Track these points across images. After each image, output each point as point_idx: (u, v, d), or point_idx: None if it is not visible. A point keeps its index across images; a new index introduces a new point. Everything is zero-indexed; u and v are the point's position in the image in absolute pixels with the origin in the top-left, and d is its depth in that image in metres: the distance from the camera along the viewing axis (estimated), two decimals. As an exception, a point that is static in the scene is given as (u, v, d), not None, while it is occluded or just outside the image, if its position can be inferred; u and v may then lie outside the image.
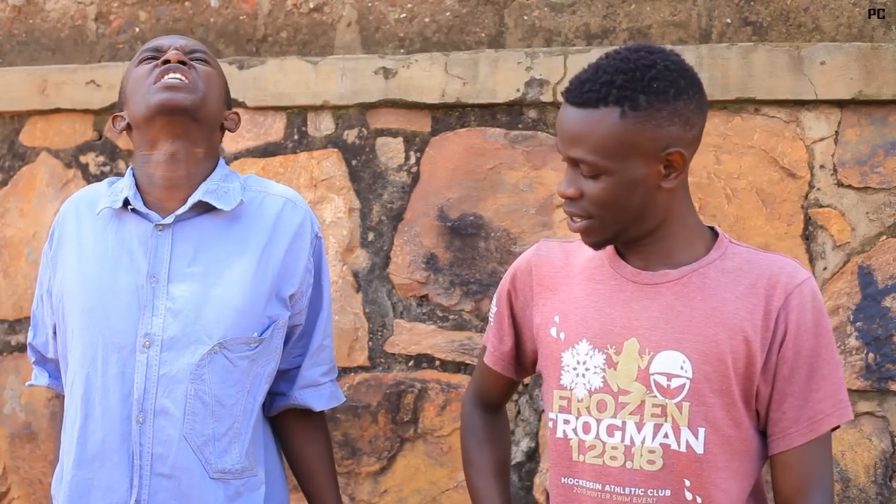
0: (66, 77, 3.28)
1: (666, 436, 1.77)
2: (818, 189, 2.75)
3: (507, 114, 2.94)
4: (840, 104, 2.73)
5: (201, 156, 2.07)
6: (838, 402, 1.79)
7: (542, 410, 2.90)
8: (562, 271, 1.91)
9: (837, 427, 1.82)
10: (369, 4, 3.12)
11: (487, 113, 2.96)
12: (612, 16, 2.94)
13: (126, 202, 2.06)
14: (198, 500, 2.00)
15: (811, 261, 2.74)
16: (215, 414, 2.01)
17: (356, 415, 3.02)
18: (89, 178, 3.25)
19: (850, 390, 2.67)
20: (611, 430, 1.80)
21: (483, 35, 3.04)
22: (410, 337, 2.99)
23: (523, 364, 2.02)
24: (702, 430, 1.77)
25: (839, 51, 2.71)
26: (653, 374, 1.78)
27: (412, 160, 3.01)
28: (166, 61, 2.04)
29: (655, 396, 1.78)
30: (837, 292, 2.72)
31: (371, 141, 3.04)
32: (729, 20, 2.87)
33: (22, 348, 3.23)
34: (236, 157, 3.13)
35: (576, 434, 1.83)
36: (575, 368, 1.84)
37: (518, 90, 2.91)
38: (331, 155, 3.07)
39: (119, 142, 3.24)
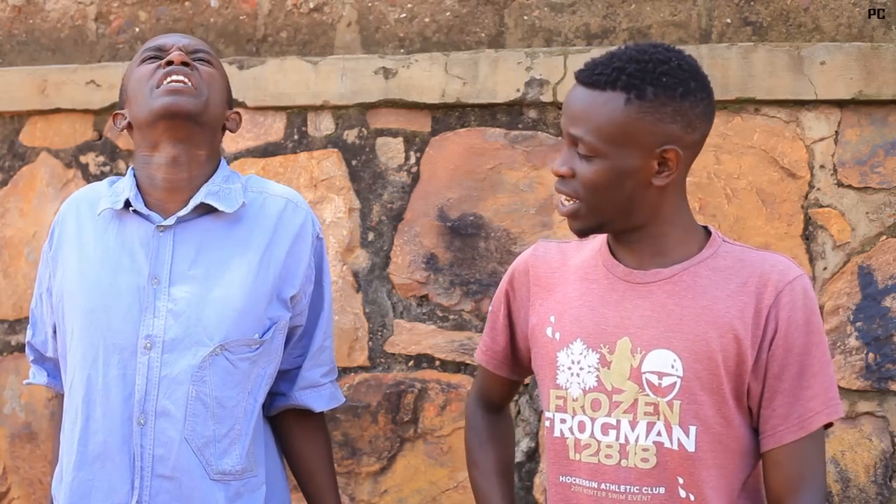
0: (66, 77, 3.28)
1: (659, 434, 1.78)
2: (818, 189, 2.75)
3: (507, 114, 2.94)
4: (840, 104, 2.73)
5: (203, 158, 2.07)
6: (829, 400, 1.79)
7: (543, 410, 2.90)
8: (558, 272, 1.92)
9: (831, 426, 1.82)
10: (369, 4, 3.12)
11: (487, 113, 2.96)
12: (612, 16, 2.94)
13: (127, 203, 2.05)
14: (199, 501, 2.00)
15: (811, 261, 2.74)
16: (216, 415, 2.01)
17: (356, 415, 3.02)
18: (89, 178, 3.25)
19: (850, 390, 2.69)
20: (605, 428, 1.81)
21: (483, 35, 3.04)
22: (410, 337, 2.99)
23: (520, 363, 2.02)
24: (693, 429, 1.77)
25: (839, 51, 2.71)
26: (644, 372, 1.79)
27: (412, 160, 3.01)
28: (169, 62, 2.03)
29: (647, 395, 1.79)
30: (837, 292, 2.72)
31: (371, 141, 3.04)
32: (729, 20, 2.87)
33: (22, 348, 3.23)
34: (236, 157, 3.13)
35: (572, 433, 1.84)
36: (570, 368, 1.84)
37: (518, 90, 2.91)
38: (331, 155, 3.07)
39: (119, 142, 3.24)
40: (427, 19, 3.08)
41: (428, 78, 2.97)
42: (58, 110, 3.31)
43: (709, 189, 2.78)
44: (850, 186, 2.73)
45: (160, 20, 3.30)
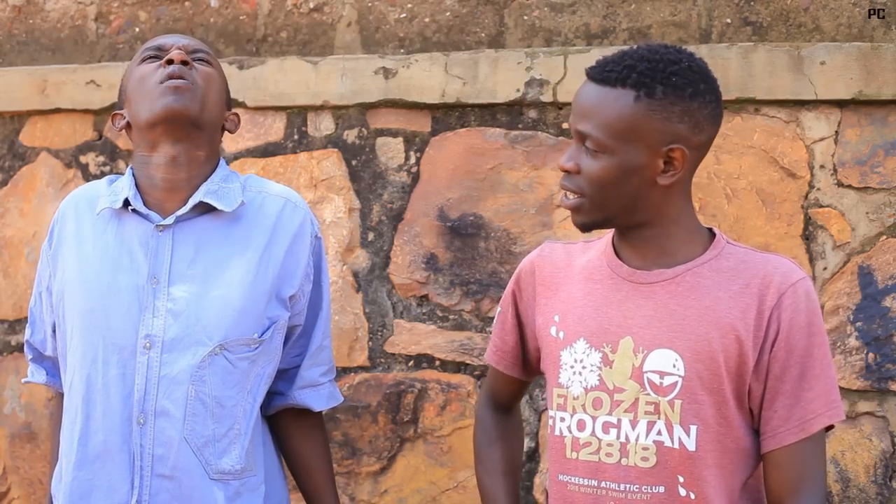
0: (66, 77, 3.28)
1: (659, 433, 1.79)
2: (818, 189, 2.75)
3: (507, 114, 2.94)
4: (840, 104, 2.73)
5: (202, 158, 2.07)
6: (830, 402, 1.80)
7: (543, 410, 2.90)
8: (563, 272, 1.93)
9: (832, 428, 1.83)
10: (369, 4, 3.12)
11: (487, 113, 2.96)
12: (612, 16, 2.94)
13: (126, 202, 2.05)
14: (198, 500, 2.00)
15: (811, 261, 2.74)
16: (215, 415, 2.01)
17: (356, 415, 3.02)
18: (89, 178, 3.25)
19: (850, 390, 2.69)
20: (606, 427, 1.82)
21: (483, 35, 3.04)
22: (410, 337, 2.99)
23: (529, 363, 2.03)
24: (693, 428, 1.78)
25: (839, 51, 2.71)
26: (646, 371, 1.80)
27: (412, 160, 3.01)
28: (170, 61, 2.03)
29: (649, 394, 1.79)
30: (837, 292, 2.72)
31: (371, 141, 3.04)
32: (729, 20, 2.87)
33: (22, 348, 3.22)
34: (236, 157, 3.13)
35: (570, 431, 1.85)
36: (572, 367, 1.85)
37: (518, 90, 2.91)
38: (331, 155, 3.07)
39: (119, 142, 3.24)
40: (427, 19, 3.08)
41: (428, 78, 2.97)
42: (58, 110, 3.31)
43: (709, 189, 2.78)
44: (850, 186, 2.73)
45: (160, 20, 3.30)
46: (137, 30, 3.31)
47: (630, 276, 1.84)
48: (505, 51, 2.95)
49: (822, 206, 2.75)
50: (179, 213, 2.03)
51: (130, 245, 2.05)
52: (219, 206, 2.04)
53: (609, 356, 1.82)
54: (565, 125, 2.90)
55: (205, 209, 2.06)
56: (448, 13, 3.06)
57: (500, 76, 2.92)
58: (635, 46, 1.83)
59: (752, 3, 2.85)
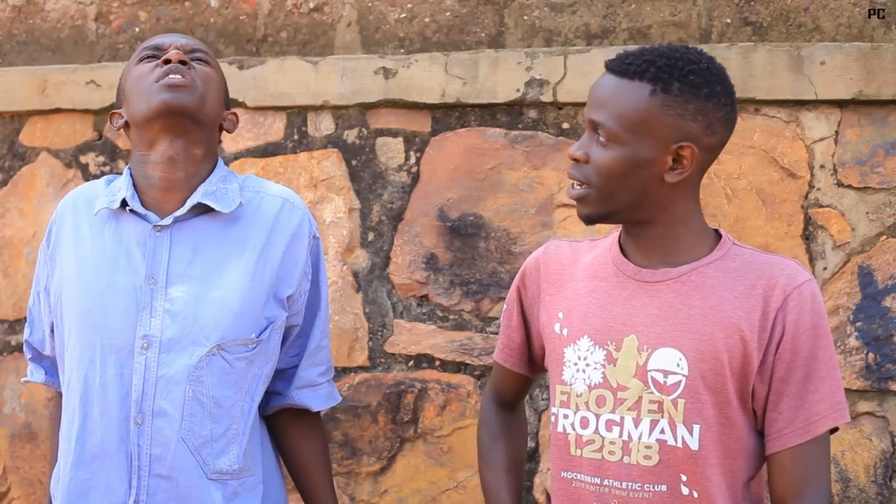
0: (66, 77, 3.28)
1: (662, 432, 1.79)
2: (818, 189, 2.75)
3: (507, 114, 2.94)
4: (840, 104, 2.73)
5: (200, 157, 2.07)
6: (835, 405, 1.80)
7: (543, 410, 2.90)
8: (568, 269, 1.94)
9: (836, 430, 1.83)
10: (369, 4, 3.12)
11: (487, 113, 2.96)
12: (612, 16, 2.94)
13: (124, 202, 2.05)
14: (196, 500, 2.00)
15: (811, 261, 2.74)
16: (213, 415, 2.01)
17: (356, 415, 3.02)
18: (89, 178, 3.25)
19: (849, 390, 2.68)
20: (609, 425, 1.82)
21: (483, 35, 3.04)
22: (410, 337, 2.99)
23: (535, 360, 2.04)
24: (697, 427, 1.78)
25: (839, 51, 2.71)
26: (650, 370, 1.80)
27: (412, 160, 3.01)
28: (167, 61, 2.03)
29: (652, 393, 1.79)
30: (837, 292, 2.72)
31: (371, 141, 3.04)
32: (729, 20, 2.87)
33: (22, 348, 3.23)
34: (236, 157, 3.13)
35: (573, 429, 1.85)
36: (576, 364, 1.86)
37: (518, 90, 2.91)
38: (331, 155, 3.07)
39: (119, 142, 3.24)
40: (427, 19, 3.08)
41: (428, 78, 2.97)
42: (58, 110, 3.31)
43: (709, 189, 2.78)
44: (850, 186, 2.73)
45: (160, 20, 3.30)
46: (137, 30, 3.31)
47: (635, 274, 1.85)
48: (505, 51, 2.95)
49: (822, 206, 2.75)
50: (177, 214, 2.03)
51: (128, 245, 2.05)
52: (217, 208, 2.04)
53: (613, 354, 1.83)
54: (565, 125, 2.90)
55: (203, 209, 2.06)
56: (448, 13, 3.06)
57: (500, 76, 2.92)
58: (657, 45, 1.86)
59: (752, 3, 2.85)
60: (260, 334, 2.05)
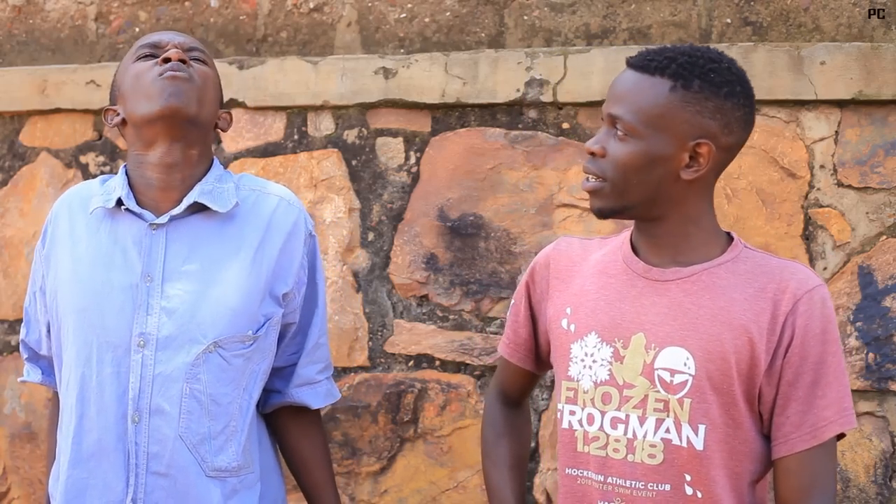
0: (66, 77, 3.28)
1: (667, 431, 1.79)
2: (818, 189, 2.75)
3: (507, 114, 2.94)
4: (840, 104, 2.73)
5: (196, 157, 2.07)
6: (842, 410, 1.79)
7: (543, 410, 2.90)
8: (577, 265, 1.94)
9: (843, 436, 1.83)
10: (369, 4, 3.12)
11: (487, 113, 2.96)
12: (612, 16, 2.94)
13: (119, 201, 2.06)
14: (194, 498, 2.00)
15: (811, 261, 2.74)
16: (211, 412, 2.01)
17: (356, 415, 3.02)
18: (89, 178, 3.25)
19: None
20: (614, 422, 1.82)
21: (483, 35, 3.04)
22: (410, 337, 2.99)
23: (541, 357, 2.04)
24: (702, 427, 1.78)
25: (839, 51, 2.71)
26: (657, 368, 1.80)
27: (412, 160, 3.01)
28: (167, 59, 2.03)
29: (658, 391, 1.79)
30: (837, 292, 2.72)
31: (371, 141, 3.04)
32: (729, 20, 2.87)
33: (22, 348, 3.23)
34: (236, 157, 3.13)
35: (581, 425, 1.85)
36: (582, 360, 1.86)
37: (518, 90, 2.91)
38: (331, 155, 3.07)
39: (119, 142, 3.24)
40: (427, 19, 3.08)
41: (428, 78, 2.97)
42: (58, 110, 3.31)
43: (709, 189, 2.78)
44: (850, 186, 2.73)
45: (160, 20, 3.30)
46: (137, 30, 3.31)
47: (645, 272, 1.85)
48: (505, 51, 2.95)
49: (822, 206, 2.75)
50: (174, 212, 2.03)
51: (124, 244, 2.05)
52: (213, 207, 2.04)
53: (620, 351, 1.83)
54: (565, 125, 2.90)
55: (198, 208, 2.06)
56: (448, 13, 3.06)
57: (500, 76, 2.92)
58: (678, 45, 1.87)
59: (752, 3, 2.85)
60: (257, 331, 2.05)
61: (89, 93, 3.24)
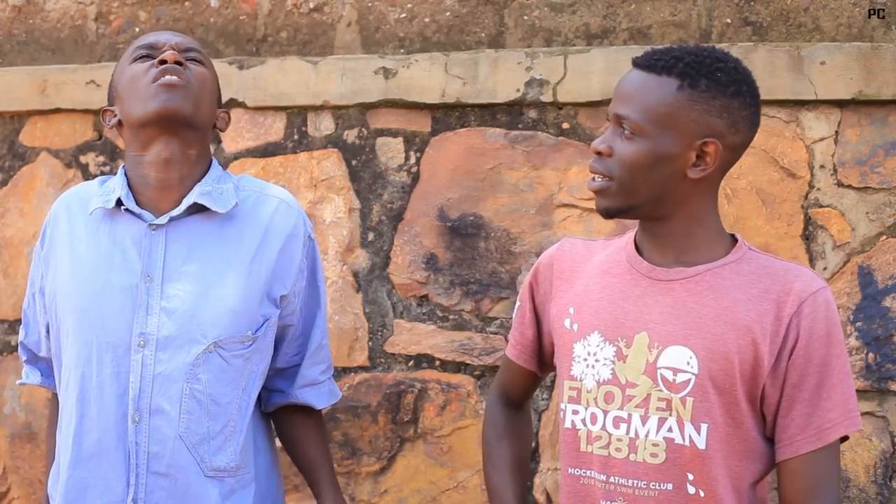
0: (66, 77, 3.28)
1: (670, 430, 1.79)
2: (818, 189, 2.75)
3: (507, 114, 2.94)
4: (840, 104, 2.73)
5: (194, 157, 2.07)
6: (847, 412, 1.80)
7: (543, 411, 2.90)
8: (581, 265, 1.95)
9: (847, 438, 1.83)
10: (369, 4, 3.12)
11: (487, 113, 2.96)
12: (612, 16, 2.94)
13: (119, 202, 2.06)
14: (194, 498, 2.00)
15: (811, 261, 2.74)
16: (210, 413, 2.01)
17: (356, 415, 3.02)
18: (89, 178, 3.25)
19: (850, 390, 2.68)
20: (617, 421, 1.82)
21: (483, 35, 3.04)
22: (410, 337, 2.99)
23: (545, 358, 2.04)
24: (704, 426, 1.78)
25: (839, 51, 2.71)
26: (660, 368, 1.80)
27: (412, 160, 3.01)
28: (163, 61, 2.03)
29: (661, 390, 1.80)
30: (837, 292, 2.72)
31: (371, 141, 3.04)
32: (729, 20, 2.87)
33: (22, 348, 3.23)
34: (236, 157, 3.13)
35: (584, 425, 1.85)
36: (585, 359, 1.86)
37: (518, 90, 2.91)
38: (331, 155, 3.07)
39: (119, 142, 3.24)
40: (427, 19, 3.08)
41: (428, 78, 2.97)
42: (58, 110, 3.31)
43: (709, 189, 2.78)
44: (850, 186, 2.73)
45: (160, 20, 3.30)
46: (137, 30, 3.31)
47: (649, 272, 1.85)
48: (505, 51, 2.95)
49: (822, 206, 2.75)
50: (173, 213, 2.03)
51: (123, 244, 2.05)
52: (213, 208, 2.04)
53: (623, 351, 1.83)
54: (565, 125, 2.90)
55: (198, 209, 2.06)
56: (448, 13, 3.06)
57: (500, 76, 2.92)
58: (684, 45, 1.88)
59: (752, 3, 2.85)
60: (256, 331, 2.05)
61: (89, 93, 3.24)
